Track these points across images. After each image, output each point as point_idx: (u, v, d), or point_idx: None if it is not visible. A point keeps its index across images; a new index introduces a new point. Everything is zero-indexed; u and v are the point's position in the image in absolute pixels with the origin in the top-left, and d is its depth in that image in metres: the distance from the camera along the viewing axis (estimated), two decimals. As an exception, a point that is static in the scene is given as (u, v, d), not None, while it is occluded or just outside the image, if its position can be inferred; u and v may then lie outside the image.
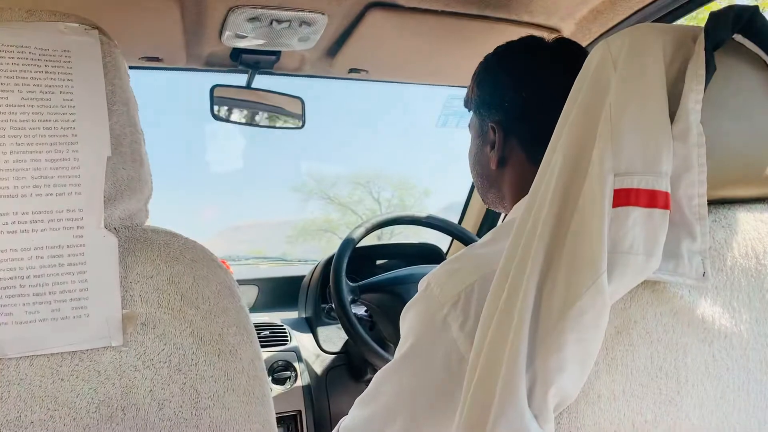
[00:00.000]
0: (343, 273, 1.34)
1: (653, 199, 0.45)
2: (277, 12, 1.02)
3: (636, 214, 0.45)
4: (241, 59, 1.23)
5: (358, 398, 0.72)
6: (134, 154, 0.52)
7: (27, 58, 0.48)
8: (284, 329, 1.52)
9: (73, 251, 0.47)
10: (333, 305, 1.34)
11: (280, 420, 1.36)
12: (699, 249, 0.47)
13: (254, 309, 1.74)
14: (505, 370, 0.45)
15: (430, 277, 0.67)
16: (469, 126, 0.85)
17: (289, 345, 1.48)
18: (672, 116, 0.47)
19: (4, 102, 0.47)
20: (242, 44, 1.16)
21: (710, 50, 0.47)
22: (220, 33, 1.11)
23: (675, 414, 0.47)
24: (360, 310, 1.44)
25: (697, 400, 0.48)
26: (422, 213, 1.52)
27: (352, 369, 1.49)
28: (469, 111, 0.85)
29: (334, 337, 1.55)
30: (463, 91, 0.86)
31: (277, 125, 1.42)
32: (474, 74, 0.82)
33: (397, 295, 1.37)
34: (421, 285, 0.68)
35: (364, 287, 1.39)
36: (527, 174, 0.74)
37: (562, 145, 0.49)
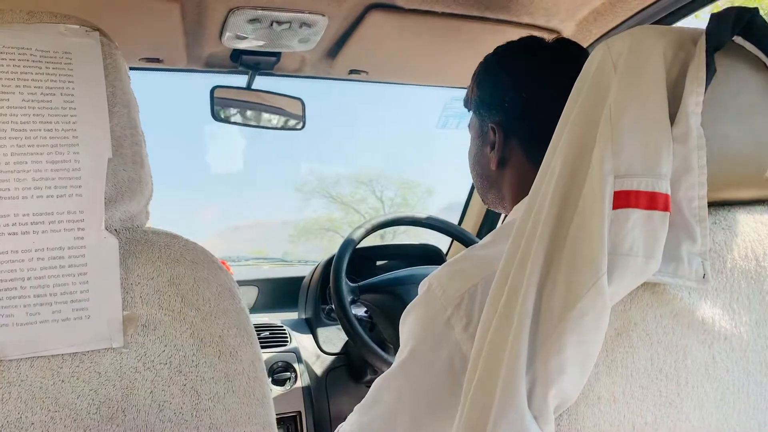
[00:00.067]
0: (344, 274, 1.34)
1: (653, 201, 0.45)
2: (277, 13, 1.02)
3: (636, 216, 0.45)
4: (242, 60, 1.23)
5: (358, 405, 0.71)
6: (135, 156, 0.52)
7: (28, 60, 0.48)
8: (284, 330, 1.52)
9: (74, 253, 0.47)
10: (333, 306, 1.34)
11: (280, 421, 1.36)
12: (699, 251, 0.47)
13: (254, 310, 1.74)
14: (506, 371, 0.45)
15: (432, 278, 0.66)
16: (469, 126, 0.85)
17: (289, 346, 1.48)
18: (672, 118, 0.47)
19: (5, 104, 0.47)
20: (242, 45, 1.16)
21: (710, 52, 0.47)
22: (221, 34, 1.11)
23: (675, 416, 0.47)
24: (360, 311, 1.44)
25: (697, 402, 0.48)
26: (422, 214, 1.52)
27: (352, 370, 1.49)
28: (468, 111, 0.84)
29: (334, 338, 1.55)
30: (464, 93, 0.86)
31: (278, 126, 1.42)
32: (474, 74, 0.82)
33: (397, 296, 1.37)
34: (422, 287, 0.67)
35: (364, 288, 1.39)
36: (527, 174, 0.74)
37: (562, 146, 0.49)
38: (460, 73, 1.36)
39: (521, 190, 0.76)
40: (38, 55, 0.49)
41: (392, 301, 1.36)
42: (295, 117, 1.40)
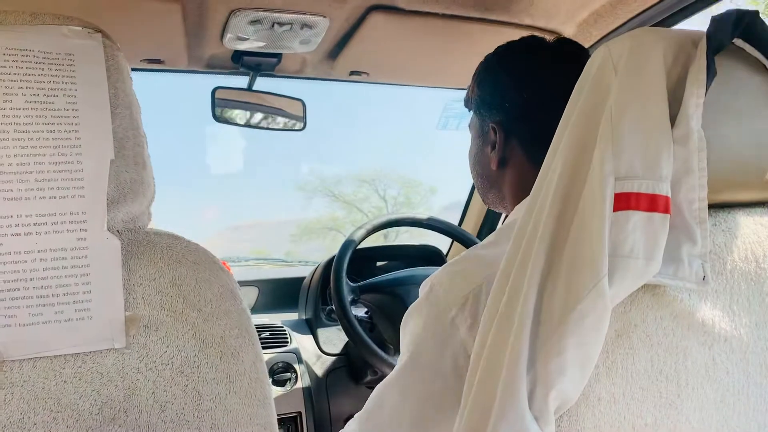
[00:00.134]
0: (344, 274, 1.34)
1: (653, 203, 0.45)
2: (278, 15, 1.03)
3: (636, 218, 0.45)
4: (243, 62, 1.24)
5: (358, 414, 0.70)
6: (137, 157, 0.52)
7: (31, 62, 0.49)
8: (284, 331, 1.52)
9: (77, 254, 0.47)
10: (333, 306, 1.34)
11: (281, 422, 1.36)
12: (699, 253, 0.48)
13: (254, 310, 1.74)
14: (506, 372, 0.45)
15: (434, 279, 0.66)
16: (470, 126, 0.84)
17: (290, 346, 1.48)
18: (672, 120, 0.47)
19: (7, 105, 0.47)
20: (244, 47, 1.17)
21: (711, 54, 0.47)
22: (222, 35, 1.11)
23: (675, 417, 0.47)
24: (360, 312, 1.44)
25: (698, 404, 0.48)
26: (423, 215, 1.52)
27: (353, 371, 1.49)
28: (469, 111, 0.84)
29: (335, 338, 1.55)
30: (463, 94, 0.85)
31: (279, 127, 1.42)
32: (474, 74, 0.81)
33: (398, 296, 1.37)
34: (424, 288, 0.67)
35: (364, 288, 1.39)
36: (528, 174, 0.74)
37: (563, 148, 0.49)
38: (461, 74, 1.37)
39: (522, 190, 0.75)
40: (41, 56, 0.49)
41: (392, 302, 1.37)
42: (295, 118, 1.40)
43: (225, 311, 0.53)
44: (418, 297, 0.68)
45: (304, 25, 1.07)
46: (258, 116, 1.39)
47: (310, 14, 1.03)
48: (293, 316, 1.68)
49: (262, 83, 1.35)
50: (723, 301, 0.49)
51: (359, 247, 1.44)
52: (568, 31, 1.15)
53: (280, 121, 1.41)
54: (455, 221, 1.83)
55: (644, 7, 1.02)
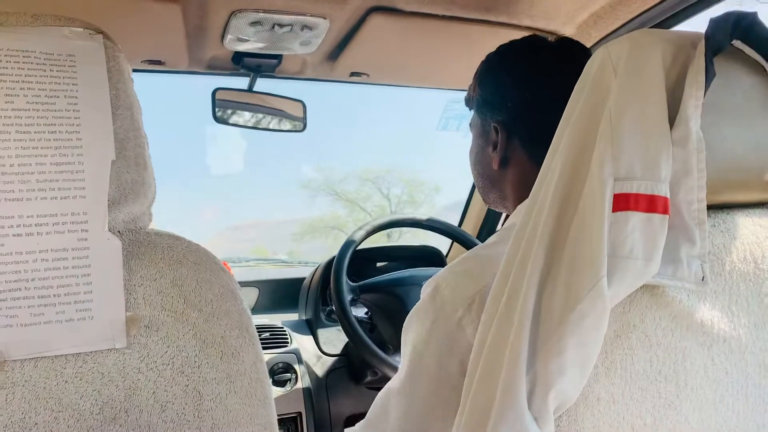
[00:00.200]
0: (344, 275, 1.35)
1: (652, 204, 0.45)
2: (278, 16, 1.03)
3: (635, 219, 0.45)
4: (243, 63, 1.24)
5: (361, 423, 0.69)
6: (138, 158, 0.52)
7: (32, 63, 0.49)
8: (284, 331, 1.52)
9: (78, 254, 0.48)
10: (333, 307, 1.34)
11: (281, 422, 1.36)
12: (698, 254, 0.48)
13: (255, 311, 1.74)
14: (506, 372, 0.46)
15: (438, 279, 0.65)
16: (470, 125, 0.84)
17: (290, 347, 1.48)
18: (671, 121, 0.47)
19: (9, 106, 0.47)
20: (244, 48, 1.17)
21: (710, 56, 0.47)
22: (222, 37, 1.11)
23: (674, 417, 0.47)
24: (360, 312, 1.44)
25: (696, 404, 0.48)
26: (423, 215, 1.53)
27: (353, 371, 1.49)
28: (470, 110, 0.84)
29: (335, 339, 1.55)
30: (463, 95, 0.85)
31: (279, 128, 1.42)
32: (476, 73, 0.81)
33: (398, 296, 1.37)
34: (427, 288, 0.66)
35: (364, 287, 1.39)
36: (529, 174, 0.74)
37: (563, 148, 0.49)
38: (461, 75, 1.37)
39: (523, 189, 0.75)
40: (42, 57, 0.49)
41: (392, 302, 1.37)
42: (296, 119, 1.41)
43: (225, 311, 0.53)
44: (418, 297, 0.67)
45: (305, 27, 1.07)
46: (258, 117, 1.39)
47: (311, 16, 1.03)
48: (293, 316, 1.68)
49: (262, 84, 1.35)
50: (722, 302, 0.49)
51: (359, 247, 1.44)
52: (568, 33, 1.15)
53: (281, 122, 1.41)
54: (454, 223, 1.83)
55: (644, 8, 1.03)
